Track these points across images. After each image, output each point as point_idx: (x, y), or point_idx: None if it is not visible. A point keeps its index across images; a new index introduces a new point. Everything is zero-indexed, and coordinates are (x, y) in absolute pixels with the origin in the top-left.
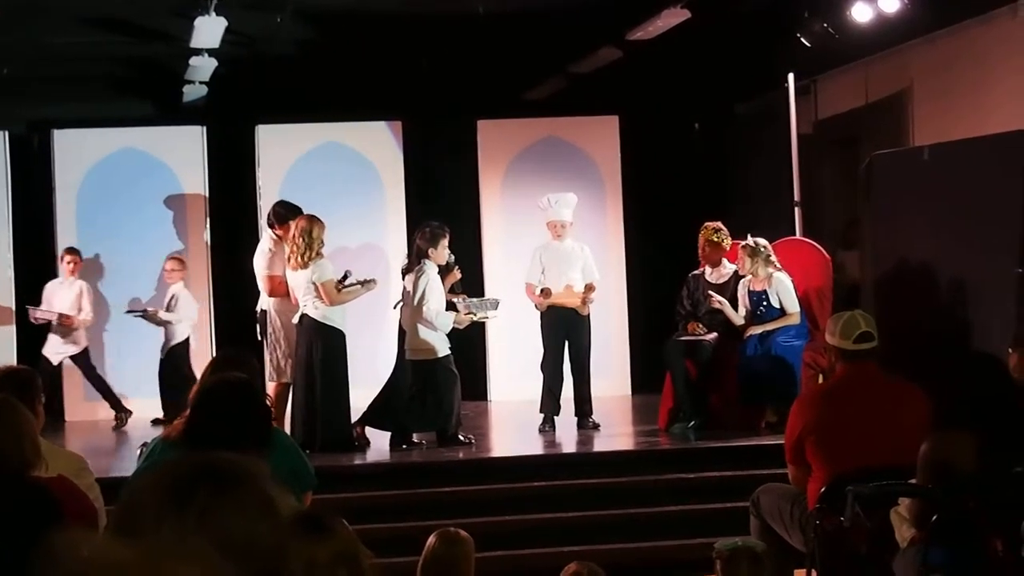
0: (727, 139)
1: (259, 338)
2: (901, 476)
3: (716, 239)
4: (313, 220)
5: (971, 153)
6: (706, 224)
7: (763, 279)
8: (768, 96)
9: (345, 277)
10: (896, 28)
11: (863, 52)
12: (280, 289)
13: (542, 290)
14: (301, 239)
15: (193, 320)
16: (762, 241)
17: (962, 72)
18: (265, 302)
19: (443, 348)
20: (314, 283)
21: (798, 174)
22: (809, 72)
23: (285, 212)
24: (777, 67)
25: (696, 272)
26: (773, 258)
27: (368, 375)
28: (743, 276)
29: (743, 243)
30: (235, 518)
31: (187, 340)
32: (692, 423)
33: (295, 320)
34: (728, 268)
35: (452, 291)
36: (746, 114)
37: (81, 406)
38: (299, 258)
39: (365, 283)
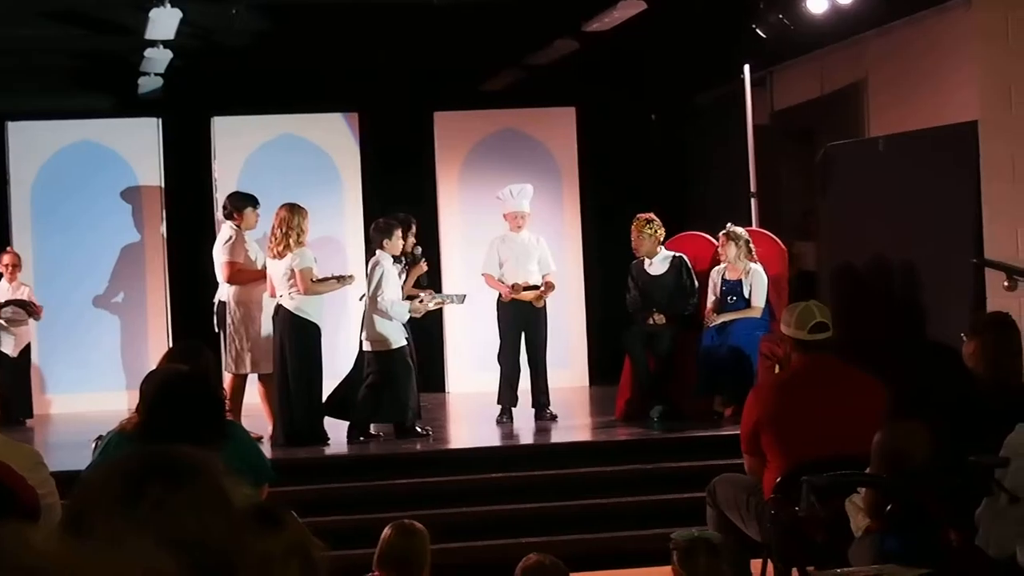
0: (684, 130)
1: (216, 330)
2: (857, 466)
3: (648, 231)
4: (294, 209)
5: (925, 144)
6: (638, 215)
7: (741, 270)
8: (725, 87)
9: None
10: (851, 19)
11: (818, 43)
12: (240, 277)
13: (512, 285)
14: (281, 229)
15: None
16: (741, 230)
17: (917, 63)
18: (223, 293)
19: (399, 339)
20: (292, 269)
21: (754, 165)
22: (765, 63)
23: (240, 202)
24: (733, 58)
25: (636, 262)
26: (752, 249)
27: (334, 368)
28: (721, 263)
29: (724, 231)
30: (188, 512)
31: None
32: (661, 410)
33: (271, 311)
34: (667, 255)
35: (418, 284)
36: (703, 105)
37: (39, 400)
38: (278, 248)
39: (341, 278)
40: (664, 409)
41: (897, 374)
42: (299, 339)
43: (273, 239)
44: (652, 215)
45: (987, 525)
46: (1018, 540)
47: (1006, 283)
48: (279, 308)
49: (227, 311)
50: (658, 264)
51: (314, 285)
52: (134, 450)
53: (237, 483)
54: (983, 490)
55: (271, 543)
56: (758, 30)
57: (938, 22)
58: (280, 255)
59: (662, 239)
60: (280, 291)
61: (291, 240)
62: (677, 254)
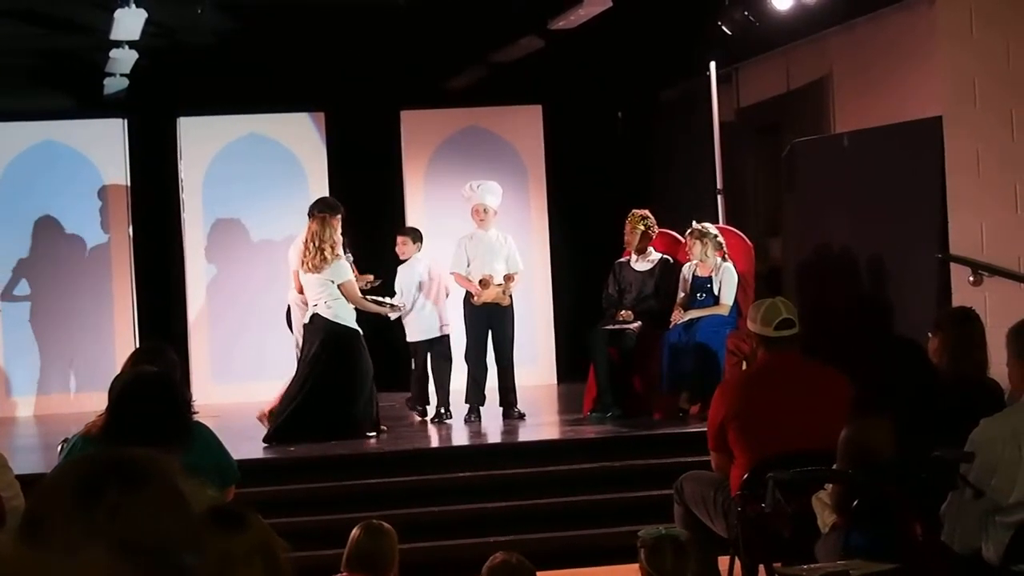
0: (650, 127)
1: (291, 332)
2: (823, 462)
3: (643, 227)
4: (324, 222)
5: (890, 139)
6: (633, 211)
7: (711, 267)
8: (690, 84)
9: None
10: (816, 15)
11: (783, 39)
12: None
13: (480, 280)
14: (314, 243)
15: None
16: (708, 226)
17: (881, 59)
18: (291, 297)
19: None
20: (332, 282)
21: (720, 161)
22: (731, 60)
23: (316, 207)
24: (699, 55)
25: (622, 260)
26: (723, 243)
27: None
28: (691, 261)
29: (691, 228)
30: (145, 515)
31: None
32: (610, 413)
33: (306, 320)
34: (654, 256)
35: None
36: (669, 102)
37: (4, 402)
38: (313, 261)
39: (393, 307)
40: (617, 414)
41: (863, 369)
42: (343, 346)
43: (307, 252)
44: (647, 212)
45: (952, 520)
46: (983, 535)
47: (971, 278)
48: (315, 317)
49: (292, 314)
50: (644, 262)
51: (361, 299)
52: (88, 453)
53: (196, 485)
54: (948, 485)
55: (233, 543)
56: (723, 27)
57: (902, 18)
58: (316, 268)
59: (653, 236)
60: (314, 300)
61: (326, 253)
62: (666, 256)
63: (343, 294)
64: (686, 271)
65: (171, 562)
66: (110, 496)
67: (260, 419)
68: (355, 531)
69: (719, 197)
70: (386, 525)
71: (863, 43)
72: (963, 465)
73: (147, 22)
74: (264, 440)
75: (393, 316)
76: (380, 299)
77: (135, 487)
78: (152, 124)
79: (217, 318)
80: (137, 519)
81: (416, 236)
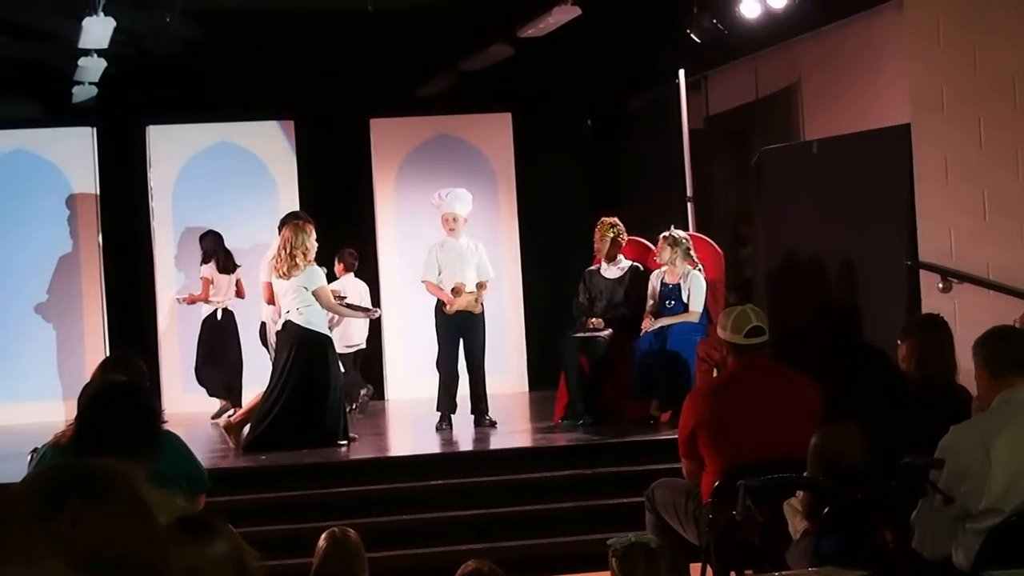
0: (619, 135)
1: (265, 348)
2: (794, 468)
3: (612, 234)
4: (297, 228)
5: (859, 146)
6: (602, 219)
7: (679, 274)
8: (660, 92)
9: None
10: (784, 23)
11: (752, 47)
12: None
13: (453, 288)
14: (285, 249)
15: None
16: (683, 234)
17: (849, 66)
18: (264, 313)
19: None
20: (305, 288)
21: (690, 169)
22: (699, 68)
23: (283, 220)
24: (668, 63)
25: (592, 267)
26: (693, 254)
27: None
28: (661, 267)
29: (664, 233)
30: (107, 527)
31: None
32: (581, 421)
33: (278, 327)
34: (624, 263)
35: None
36: (638, 110)
37: None
38: (283, 268)
39: (367, 310)
40: (588, 421)
41: (832, 376)
42: (315, 352)
43: (279, 258)
44: (616, 219)
45: (922, 527)
46: (953, 541)
47: (940, 285)
48: (287, 324)
49: (267, 330)
50: (614, 269)
51: (335, 304)
52: (52, 464)
53: (165, 495)
54: (918, 492)
55: (203, 553)
56: (692, 34)
57: (870, 26)
58: (287, 274)
59: (623, 244)
60: (287, 307)
61: (297, 259)
62: (636, 263)
63: (317, 300)
64: (654, 279)
65: (134, 573)
66: (72, 506)
67: (225, 428)
68: (321, 541)
69: (689, 204)
70: (352, 533)
71: (832, 51)
72: (933, 472)
73: (115, 30)
74: (243, 449)
75: (371, 316)
76: (355, 304)
77: (97, 498)
78: (121, 132)
79: (187, 327)
80: (99, 530)
81: (342, 258)
